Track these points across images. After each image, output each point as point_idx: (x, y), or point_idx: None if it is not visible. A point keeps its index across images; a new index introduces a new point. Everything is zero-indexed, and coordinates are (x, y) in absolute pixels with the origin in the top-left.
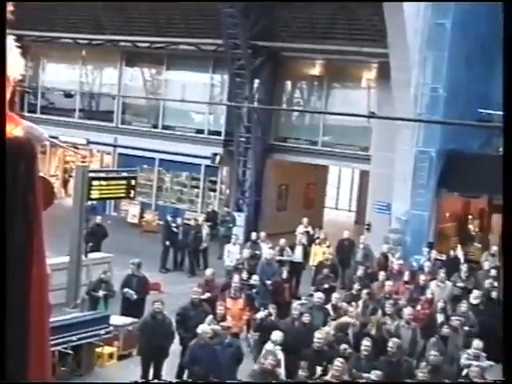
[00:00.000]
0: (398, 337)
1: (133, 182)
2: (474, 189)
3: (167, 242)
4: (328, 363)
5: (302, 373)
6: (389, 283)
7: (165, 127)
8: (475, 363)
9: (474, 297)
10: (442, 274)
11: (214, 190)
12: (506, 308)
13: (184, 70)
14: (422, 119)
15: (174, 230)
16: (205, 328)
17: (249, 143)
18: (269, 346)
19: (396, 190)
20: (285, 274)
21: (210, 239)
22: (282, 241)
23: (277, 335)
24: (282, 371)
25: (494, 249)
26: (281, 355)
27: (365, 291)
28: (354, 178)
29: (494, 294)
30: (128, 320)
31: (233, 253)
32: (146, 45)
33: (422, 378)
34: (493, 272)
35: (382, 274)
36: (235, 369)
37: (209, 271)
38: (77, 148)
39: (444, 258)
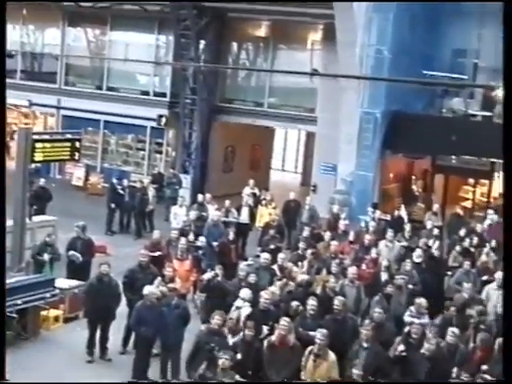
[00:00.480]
0: (343, 295)
1: (77, 145)
2: (417, 150)
3: (113, 205)
4: (274, 322)
5: (248, 332)
6: (334, 243)
7: (109, 89)
8: (417, 321)
9: (417, 255)
10: (389, 233)
11: (160, 152)
12: (506, 307)
13: (128, 31)
14: (364, 76)
15: (120, 192)
16: (151, 289)
17: (194, 105)
18: (238, 302)
19: (341, 151)
20: (231, 236)
21: (156, 201)
22: (228, 202)
23: (245, 293)
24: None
25: (436, 207)
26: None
27: (310, 251)
28: (300, 140)
29: (435, 253)
30: (74, 283)
31: (179, 215)
32: (89, 4)
33: (366, 335)
34: (435, 231)
35: (327, 235)
36: (182, 330)
37: (156, 233)
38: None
39: (388, 217)
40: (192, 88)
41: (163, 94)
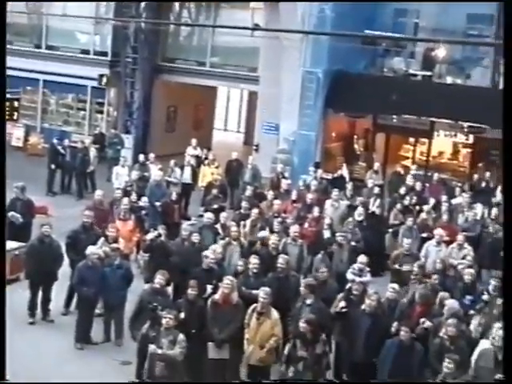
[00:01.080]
0: (286, 254)
1: (16, 104)
2: (359, 109)
3: (53, 166)
4: (218, 281)
5: (191, 291)
6: (277, 202)
7: (48, 47)
8: (358, 278)
9: (359, 214)
10: (334, 193)
11: (101, 112)
12: (506, 308)
13: None
14: (307, 31)
15: (61, 152)
16: (93, 249)
17: (136, 64)
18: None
19: (284, 110)
20: (174, 195)
21: (97, 162)
22: (171, 162)
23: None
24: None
25: (377, 165)
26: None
27: (254, 211)
28: (243, 99)
29: (376, 211)
30: (14, 244)
31: (121, 175)
32: None
33: (304, 292)
34: (376, 189)
35: (270, 194)
36: (125, 290)
37: (98, 193)
38: None
39: (330, 177)
40: (133, 47)
41: (104, 53)
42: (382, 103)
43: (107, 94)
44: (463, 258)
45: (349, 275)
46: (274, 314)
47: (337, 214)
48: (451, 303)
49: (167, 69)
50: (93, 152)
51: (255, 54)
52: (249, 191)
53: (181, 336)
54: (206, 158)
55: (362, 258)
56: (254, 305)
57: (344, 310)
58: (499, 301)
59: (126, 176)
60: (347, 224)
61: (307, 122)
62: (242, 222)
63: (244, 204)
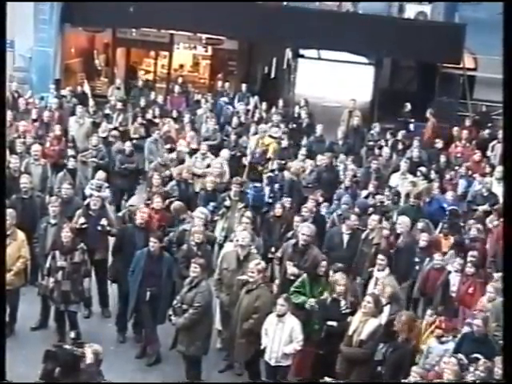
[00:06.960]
0: (29, 174)
1: None
2: (97, 22)
3: None
4: None
5: None
6: (23, 123)
7: None
8: (96, 193)
9: (102, 130)
10: (79, 110)
11: None
12: (506, 308)
13: None
14: None
15: None
16: None
17: None
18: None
19: (18, 26)
20: None
21: None
22: None
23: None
24: None
25: (119, 81)
26: None
27: None
28: None
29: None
30: None
31: None
32: None
33: (54, 211)
34: (119, 105)
35: (9, 114)
36: None
37: None
38: None
39: (72, 93)
40: None
41: None
42: (119, 16)
43: None
44: (208, 167)
45: (87, 191)
46: (20, 235)
47: (81, 131)
48: (200, 210)
49: None
50: None
51: None
52: None
53: None
54: None
55: (100, 174)
56: None
57: (84, 225)
58: (240, 205)
59: None
60: (91, 141)
61: (44, 38)
62: None
63: None
